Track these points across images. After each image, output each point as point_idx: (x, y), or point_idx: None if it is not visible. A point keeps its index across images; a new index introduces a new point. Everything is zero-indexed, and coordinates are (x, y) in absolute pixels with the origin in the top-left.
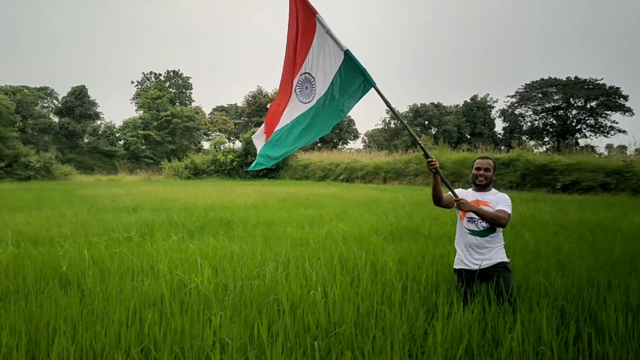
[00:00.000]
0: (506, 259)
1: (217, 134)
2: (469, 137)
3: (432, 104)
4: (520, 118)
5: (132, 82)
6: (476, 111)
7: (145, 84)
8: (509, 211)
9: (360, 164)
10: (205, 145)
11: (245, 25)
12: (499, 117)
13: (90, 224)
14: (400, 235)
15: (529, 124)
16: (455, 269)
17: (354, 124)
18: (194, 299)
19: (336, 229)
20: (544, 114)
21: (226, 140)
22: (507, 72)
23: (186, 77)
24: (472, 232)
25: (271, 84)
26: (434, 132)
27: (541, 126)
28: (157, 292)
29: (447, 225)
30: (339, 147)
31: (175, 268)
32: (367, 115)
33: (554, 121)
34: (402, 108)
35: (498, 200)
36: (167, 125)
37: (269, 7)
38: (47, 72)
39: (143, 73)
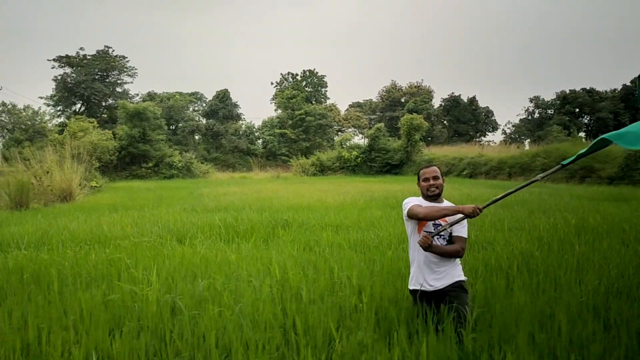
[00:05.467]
0: (463, 278)
1: (351, 129)
2: (628, 124)
3: (584, 89)
4: None
5: (272, 83)
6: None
7: (284, 84)
8: (466, 234)
9: (484, 159)
10: None
11: (376, 22)
12: None
13: (160, 224)
14: None
15: None
16: (410, 289)
17: (493, 114)
18: (115, 311)
19: (377, 234)
20: None
21: (351, 136)
22: None
23: (321, 75)
24: None
25: (405, 78)
26: (586, 121)
27: None
28: (85, 304)
29: (491, 232)
30: (476, 139)
31: (148, 276)
32: (508, 104)
33: None
34: (547, 96)
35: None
36: (301, 124)
37: (398, 4)
38: (199, 78)
39: (281, 74)
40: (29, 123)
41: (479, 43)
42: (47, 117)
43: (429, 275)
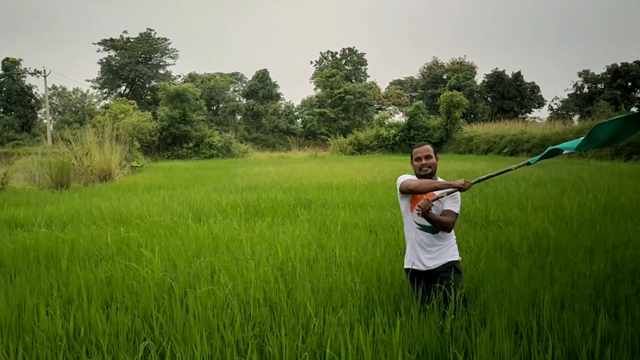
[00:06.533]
0: (457, 258)
1: (392, 108)
2: None
3: (637, 62)
4: None
5: (311, 62)
6: None
7: (323, 62)
8: (458, 210)
9: (527, 136)
10: None
11: None
12: None
13: (185, 204)
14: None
15: None
16: (405, 268)
17: (539, 90)
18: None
19: (394, 213)
20: None
21: (390, 115)
22: None
23: (361, 53)
24: (422, 228)
25: (448, 54)
26: (639, 95)
27: None
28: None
29: (514, 211)
30: (521, 116)
31: (157, 254)
32: (555, 79)
33: None
34: (597, 69)
35: (446, 196)
36: (340, 102)
37: None
38: (239, 58)
39: (320, 52)
40: (79, 105)
41: (524, 16)
42: (95, 100)
43: (422, 254)
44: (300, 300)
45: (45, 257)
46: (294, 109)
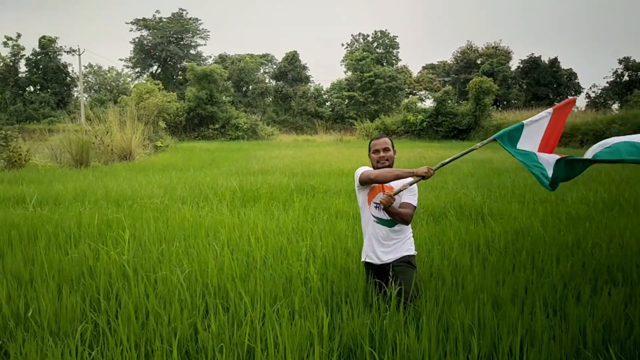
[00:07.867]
0: (412, 252)
1: (423, 92)
2: None
3: None
4: None
5: (342, 45)
6: None
7: (354, 45)
8: (415, 202)
9: None
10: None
11: None
12: None
13: (189, 186)
14: (441, 213)
15: None
16: (362, 262)
17: (576, 77)
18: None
19: None
20: None
21: (418, 100)
22: None
23: (393, 36)
24: (379, 221)
25: (482, 38)
26: None
27: None
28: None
29: (511, 204)
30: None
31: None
32: (594, 65)
33: None
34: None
35: (404, 190)
36: (370, 86)
37: None
38: (270, 39)
39: (352, 35)
40: (114, 84)
41: (563, 0)
42: (129, 79)
43: (378, 247)
44: (253, 290)
45: (27, 237)
46: (323, 92)
